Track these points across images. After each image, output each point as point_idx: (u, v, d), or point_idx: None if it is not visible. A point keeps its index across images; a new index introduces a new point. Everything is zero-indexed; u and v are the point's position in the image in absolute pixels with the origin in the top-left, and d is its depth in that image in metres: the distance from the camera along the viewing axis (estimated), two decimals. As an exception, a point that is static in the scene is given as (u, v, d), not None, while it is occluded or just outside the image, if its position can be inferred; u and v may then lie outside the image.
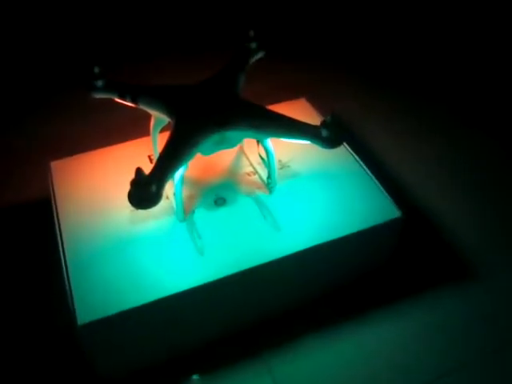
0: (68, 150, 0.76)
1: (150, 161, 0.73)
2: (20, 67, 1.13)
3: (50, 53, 1.16)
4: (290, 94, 0.85)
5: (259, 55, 0.72)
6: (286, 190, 0.69)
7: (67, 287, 0.57)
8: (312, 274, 0.67)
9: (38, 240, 0.76)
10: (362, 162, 0.73)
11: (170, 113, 0.62)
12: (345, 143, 0.75)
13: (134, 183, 0.53)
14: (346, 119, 1.00)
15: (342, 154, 0.74)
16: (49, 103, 1.04)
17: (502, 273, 0.75)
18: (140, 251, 0.61)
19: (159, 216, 0.65)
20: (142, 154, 0.74)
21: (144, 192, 0.53)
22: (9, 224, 0.80)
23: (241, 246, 0.62)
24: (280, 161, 0.72)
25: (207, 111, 0.62)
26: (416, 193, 0.87)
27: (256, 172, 0.72)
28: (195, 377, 0.63)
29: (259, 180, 0.71)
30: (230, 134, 0.61)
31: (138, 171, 0.53)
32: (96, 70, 0.65)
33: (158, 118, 0.66)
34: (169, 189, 0.66)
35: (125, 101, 0.66)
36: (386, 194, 0.69)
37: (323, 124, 0.60)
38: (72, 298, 0.56)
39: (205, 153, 0.62)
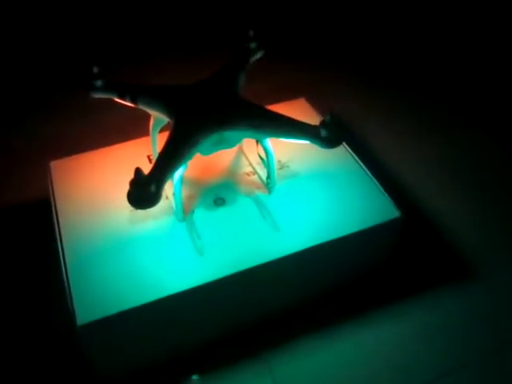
0: (68, 149, 0.76)
1: (150, 161, 0.73)
2: (20, 67, 1.13)
3: (50, 53, 1.16)
4: (289, 93, 0.85)
5: (259, 55, 0.72)
6: (286, 190, 0.69)
7: (66, 287, 0.57)
8: (312, 274, 0.67)
9: (38, 240, 0.76)
10: (361, 162, 0.73)
11: (169, 113, 0.62)
12: (344, 143, 0.75)
13: (133, 183, 0.53)
14: (346, 119, 1.00)
15: (342, 154, 0.74)
16: (49, 103, 1.04)
17: (502, 273, 0.75)
18: (139, 251, 0.61)
19: (158, 216, 0.65)
20: (141, 154, 0.74)
21: (143, 192, 0.53)
22: (9, 224, 0.80)
23: (240, 246, 0.62)
24: (279, 161, 0.72)
25: (207, 111, 0.62)
26: (416, 193, 0.87)
27: (255, 172, 0.72)
28: (195, 377, 0.63)
29: (258, 180, 0.71)
30: (230, 133, 0.61)
31: (137, 171, 0.53)
32: (95, 69, 0.65)
33: (158, 117, 0.66)
34: (168, 189, 0.66)
35: (124, 101, 0.66)
36: (386, 194, 0.69)
37: (322, 124, 0.60)
38: (71, 298, 0.56)
39: (204, 153, 0.62)
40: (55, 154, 0.74)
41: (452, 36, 1.24)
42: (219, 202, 0.67)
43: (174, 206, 0.65)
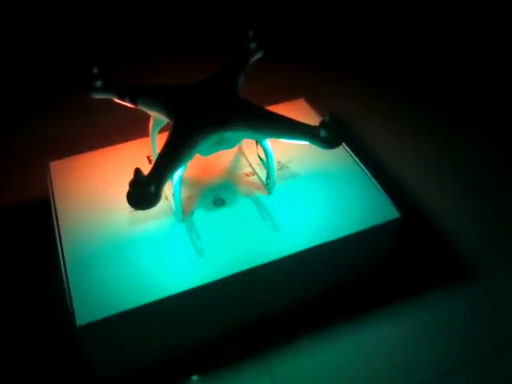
0: (68, 150, 0.76)
1: (149, 161, 0.73)
2: (20, 67, 1.13)
3: (50, 53, 1.16)
4: (289, 94, 0.85)
5: (258, 55, 0.72)
6: (285, 191, 0.69)
7: (66, 288, 0.57)
8: (311, 275, 0.67)
9: (38, 240, 0.76)
10: (361, 163, 0.73)
11: (168, 113, 0.62)
12: (344, 143, 0.75)
13: (132, 184, 0.53)
14: (346, 119, 1.00)
15: (342, 155, 0.74)
16: (49, 103, 1.04)
17: (502, 273, 0.75)
18: (139, 252, 0.61)
19: (158, 217, 0.65)
20: (141, 154, 0.74)
21: (142, 192, 0.53)
22: (9, 224, 0.80)
23: (240, 246, 0.62)
24: (279, 161, 0.72)
25: (206, 111, 0.62)
26: (416, 193, 0.87)
27: (255, 173, 0.72)
28: (195, 377, 0.63)
29: (258, 181, 0.71)
30: (229, 134, 0.61)
31: (137, 172, 0.53)
32: (95, 70, 0.65)
33: (157, 118, 0.66)
34: (168, 189, 0.66)
35: (124, 101, 0.66)
36: (385, 195, 0.69)
37: (322, 124, 0.60)
38: (71, 298, 0.56)
39: (204, 153, 0.62)
40: (55, 154, 0.74)
41: (452, 36, 1.24)
42: (219, 202, 0.67)
43: (173, 206, 0.65)
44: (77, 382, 0.62)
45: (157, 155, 0.58)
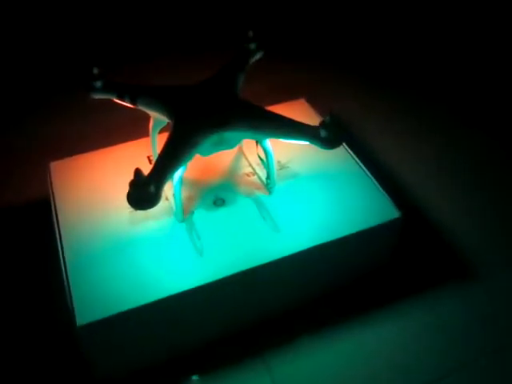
0: (68, 150, 0.76)
1: (150, 161, 0.73)
2: (20, 67, 1.13)
3: (50, 53, 1.16)
4: (289, 94, 0.85)
5: (258, 55, 0.72)
6: (285, 191, 0.69)
7: (66, 287, 0.57)
8: (312, 275, 0.67)
9: (38, 240, 0.76)
10: (361, 163, 0.73)
11: (168, 113, 0.62)
12: (344, 143, 0.75)
13: (132, 184, 0.53)
14: (346, 119, 1.00)
15: (342, 155, 0.74)
16: (49, 103, 1.04)
17: (502, 273, 0.75)
18: (139, 252, 0.61)
19: (158, 217, 0.65)
20: (142, 154, 0.74)
21: (142, 193, 0.53)
22: (9, 224, 0.80)
23: (240, 246, 0.62)
24: (279, 161, 0.72)
25: (206, 112, 0.62)
26: (416, 193, 0.87)
27: (255, 173, 0.72)
28: (195, 377, 0.63)
29: (258, 181, 0.71)
30: (229, 134, 0.61)
31: (137, 172, 0.53)
32: (95, 70, 0.65)
33: (157, 118, 0.66)
34: (168, 190, 0.66)
35: (124, 101, 0.66)
36: (386, 195, 0.69)
37: (322, 124, 0.60)
38: (71, 298, 0.56)
39: (204, 153, 0.62)
40: (55, 154, 0.74)
41: (452, 36, 1.24)
42: (219, 202, 0.67)
43: (173, 206, 0.65)
44: (77, 382, 0.62)
45: (157, 155, 0.58)
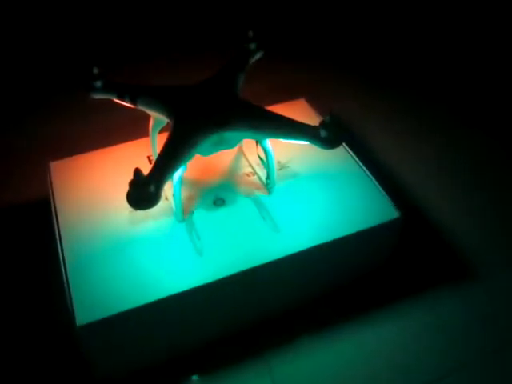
0: (68, 150, 0.76)
1: (150, 161, 0.73)
2: (20, 67, 1.13)
3: (50, 53, 1.16)
4: (289, 94, 0.85)
5: (258, 56, 0.72)
6: (285, 191, 0.69)
7: (66, 287, 0.57)
8: (312, 275, 0.67)
9: (38, 240, 0.76)
10: (361, 163, 0.73)
11: (168, 113, 0.62)
12: (344, 143, 0.75)
13: (132, 184, 0.53)
14: (346, 119, 1.00)
15: (342, 155, 0.74)
16: (49, 103, 1.04)
17: (502, 273, 0.75)
18: (139, 252, 0.61)
19: (158, 217, 0.65)
20: (142, 154, 0.74)
21: (142, 192, 0.53)
22: (8, 224, 0.80)
23: (240, 246, 0.62)
24: (279, 161, 0.72)
25: (206, 112, 0.62)
26: (416, 193, 0.87)
27: (255, 173, 0.72)
28: (195, 377, 0.63)
29: (258, 181, 0.71)
30: (229, 134, 0.61)
31: (137, 172, 0.53)
32: (95, 70, 0.65)
33: (157, 118, 0.66)
34: (168, 190, 0.66)
35: (124, 101, 0.66)
36: (386, 195, 0.69)
37: (322, 124, 0.60)
38: (71, 298, 0.56)
39: (204, 153, 0.62)
40: (55, 154, 0.74)
41: (452, 36, 1.24)
42: (219, 202, 0.67)
43: (173, 206, 0.65)
44: (77, 382, 0.62)
45: (157, 155, 0.58)
